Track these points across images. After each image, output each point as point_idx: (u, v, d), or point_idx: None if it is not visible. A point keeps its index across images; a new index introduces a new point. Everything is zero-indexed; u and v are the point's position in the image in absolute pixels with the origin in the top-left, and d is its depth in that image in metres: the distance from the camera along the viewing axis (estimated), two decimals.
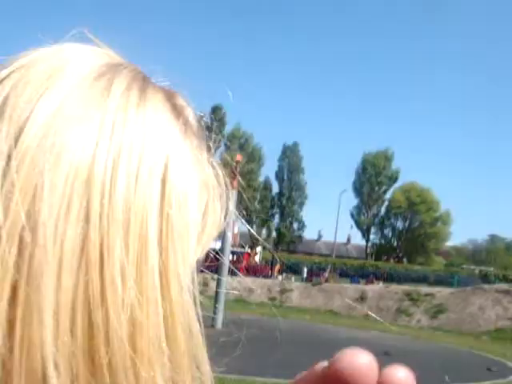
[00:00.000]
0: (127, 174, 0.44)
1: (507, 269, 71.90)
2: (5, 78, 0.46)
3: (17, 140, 0.41)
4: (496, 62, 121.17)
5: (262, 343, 11.84)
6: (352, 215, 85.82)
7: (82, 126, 0.44)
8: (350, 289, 24.63)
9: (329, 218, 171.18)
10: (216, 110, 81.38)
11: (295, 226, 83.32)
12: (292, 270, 50.76)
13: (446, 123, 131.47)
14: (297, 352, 11.14)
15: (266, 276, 38.95)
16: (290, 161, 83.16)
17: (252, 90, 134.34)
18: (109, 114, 0.45)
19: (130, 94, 0.48)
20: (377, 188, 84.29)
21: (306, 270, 51.07)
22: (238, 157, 14.19)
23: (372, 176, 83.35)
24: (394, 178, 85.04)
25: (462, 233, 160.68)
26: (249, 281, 26.42)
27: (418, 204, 79.25)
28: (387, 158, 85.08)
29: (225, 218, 0.57)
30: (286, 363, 9.62)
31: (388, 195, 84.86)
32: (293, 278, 33.50)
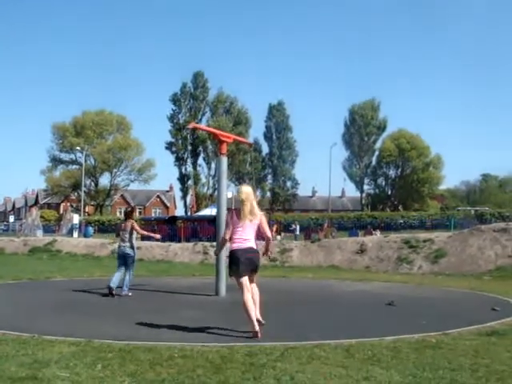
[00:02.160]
0: None
1: (502, 206, 72.31)
2: None
3: None
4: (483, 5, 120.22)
5: (266, 305, 11.89)
6: (344, 168, 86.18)
7: None
8: (350, 242, 24.69)
9: (321, 174, 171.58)
10: (198, 77, 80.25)
11: (288, 184, 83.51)
12: (289, 229, 50.92)
13: (430, 67, 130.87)
14: (303, 311, 11.17)
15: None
16: (277, 120, 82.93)
17: (232, 51, 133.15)
18: None
19: None
20: (366, 138, 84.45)
21: (298, 227, 51.27)
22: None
23: (361, 127, 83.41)
24: (382, 127, 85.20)
25: (454, 175, 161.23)
26: None
27: (408, 151, 79.46)
28: (374, 107, 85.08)
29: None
30: (294, 323, 9.65)
31: (378, 145, 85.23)
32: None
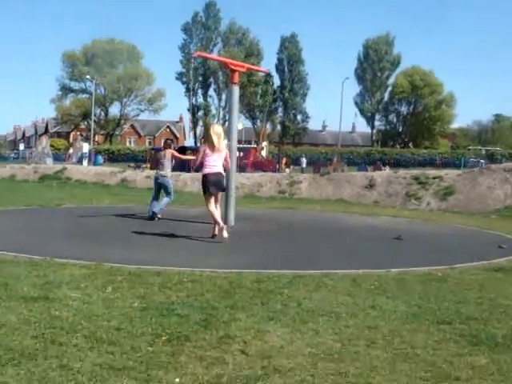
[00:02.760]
0: None
1: None
2: None
3: None
4: None
5: (274, 236, 11.99)
6: (356, 103, 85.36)
7: None
8: (359, 176, 24.65)
9: (333, 108, 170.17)
10: (210, 7, 78.69)
11: (299, 118, 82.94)
12: (298, 163, 50.98)
13: (445, 4, 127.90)
14: (311, 242, 11.26)
15: (273, 170, 39.11)
16: (290, 53, 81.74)
17: None
18: None
19: None
20: (379, 74, 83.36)
21: (304, 160, 51.27)
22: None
23: (374, 62, 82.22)
24: (396, 63, 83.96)
25: (466, 114, 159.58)
26: (257, 176, 26.45)
27: (421, 88, 78.43)
28: (388, 42, 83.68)
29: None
30: (302, 253, 9.75)
31: (391, 80, 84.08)
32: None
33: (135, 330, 4.80)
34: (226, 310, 5.47)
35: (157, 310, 5.42)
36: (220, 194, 11.23)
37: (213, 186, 10.70)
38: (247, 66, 15.30)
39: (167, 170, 13.80)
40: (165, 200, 13.89)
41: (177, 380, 3.86)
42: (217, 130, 10.97)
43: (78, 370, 3.94)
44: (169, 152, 13.90)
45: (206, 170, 10.74)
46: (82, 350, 4.32)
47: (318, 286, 6.69)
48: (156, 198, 13.96)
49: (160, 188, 13.97)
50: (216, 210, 10.84)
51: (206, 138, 11.18)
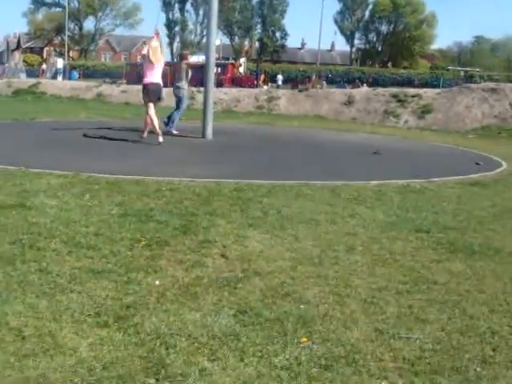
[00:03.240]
0: None
1: (492, 70, 71.58)
2: None
3: None
4: None
5: (252, 150, 11.95)
6: (335, 21, 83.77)
7: None
8: (337, 93, 24.49)
9: (312, 26, 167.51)
10: None
11: (278, 35, 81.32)
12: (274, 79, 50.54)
13: None
14: (289, 156, 11.23)
15: (251, 86, 38.66)
16: None
17: None
18: None
19: None
20: None
21: (281, 77, 50.81)
22: None
23: None
24: None
25: (447, 35, 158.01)
26: (235, 91, 26.16)
27: (402, 6, 77.13)
28: None
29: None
30: (280, 166, 9.74)
31: None
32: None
33: (114, 236, 4.77)
34: (206, 217, 5.45)
35: (135, 216, 5.38)
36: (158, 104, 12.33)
37: (153, 94, 11.79)
38: None
39: (182, 82, 13.58)
40: (174, 114, 13.77)
41: (157, 282, 3.85)
42: (155, 44, 11.95)
43: (57, 273, 3.92)
44: (184, 63, 13.78)
45: (148, 80, 11.87)
46: (60, 255, 4.29)
47: (298, 195, 6.70)
48: (176, 109, 13.87)
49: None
50: (156, 117, 11.84)
51: (148, 53, 11.81)
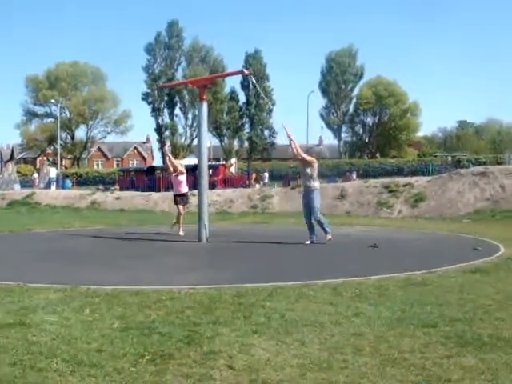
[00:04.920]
0: None
1: (478, 153, 72.79)
2: None
3: None
4: None
5: (249, 251, 11.92)
6: (322, 116, 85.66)
7: None
8: (330, 188, 24.74)
9: (299, 122, 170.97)
10: (172, 26, 78.64)
11: (266, 133, 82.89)
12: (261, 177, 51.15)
13: (405, 13, 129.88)
14: (288, 255, 11.20)
15: (244, 186, 39.06)
16: (254, 69, 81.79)
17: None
18: None
19: None
20: (343, 86, 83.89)
21: (267, 174, 51.43)
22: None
23: (338, 74, 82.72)
24: (359, 75, 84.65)
25: (431, 122, 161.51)
26: (228, 192, 26.38)
27: (385, 98, 79.12)
28: (351, 55, 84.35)
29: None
30: (280, 267, 9.68)
31: (355, 92, 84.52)
32: (275, 185, 33.39)
33: (117, 351, 4.67)
34: (209, 326, 5.37)
35: (137, 329, 5.29)
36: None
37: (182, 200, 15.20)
38: (222, 74, 16.03)
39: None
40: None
41: None
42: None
43: None
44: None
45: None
46: (62, 375, 4.18)
47: (299, 296, 6.63)
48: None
49: None
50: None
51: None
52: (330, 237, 12.57)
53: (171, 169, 15.18)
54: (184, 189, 15.11)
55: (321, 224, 12.77)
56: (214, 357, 4.51)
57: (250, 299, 6.48)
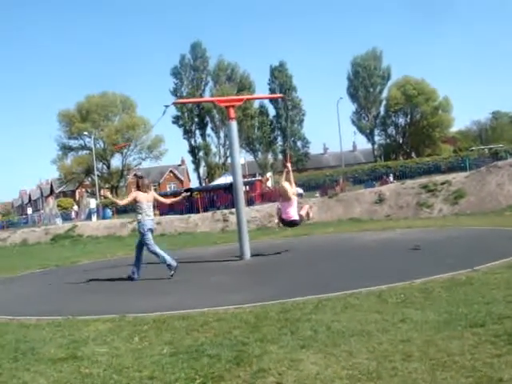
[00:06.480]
0: None
1: None
2: None
3: None
4: None
5: (292, 264, 11.92)
6: (353, 121, 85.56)
7: None
8: (367, 193, 24.61)
9: (331, 130, 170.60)
10: (196, 47, 79.53)
11: (299, 144, 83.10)
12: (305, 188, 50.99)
13: (423, 9, 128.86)
14: (331, 264, 11.18)
15: None
16: (281, 81, 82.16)
17: (228, 17, 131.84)
18: None
19: None
20: (372, 89, 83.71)
21: (301, 190, 51.39)
22: None
23: (365, 78, 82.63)
24: (386, 76, 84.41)
25: (464, 116, 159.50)
26: (266, 206, 26.39)
27: (415, 96, 78.53)
28: (376, 57, 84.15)
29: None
30: (324, 277, 9.67)
31: (384, 94, 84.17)
32: (317, 193, 33.28)
33: (168, 377, 4.75)
34: (257, 344, 5.41)
35: (187, 353, 5.36)
36: None
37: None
38: (258, 96, 15.71)
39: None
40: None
41: None
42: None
43: None
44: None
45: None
46: None
47: (345, 306, 6.63)
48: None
49: None
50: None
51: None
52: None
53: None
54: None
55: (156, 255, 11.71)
56: (264, 375, 4.55)
57: (296, 314, 6.51)
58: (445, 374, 4.19)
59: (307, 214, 13.78)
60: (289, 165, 13.60)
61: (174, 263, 11.34)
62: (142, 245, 11.78)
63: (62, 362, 5.58)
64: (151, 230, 11.80)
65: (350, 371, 4.45)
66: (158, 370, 4.96)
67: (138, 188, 11.82)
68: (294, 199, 13.32)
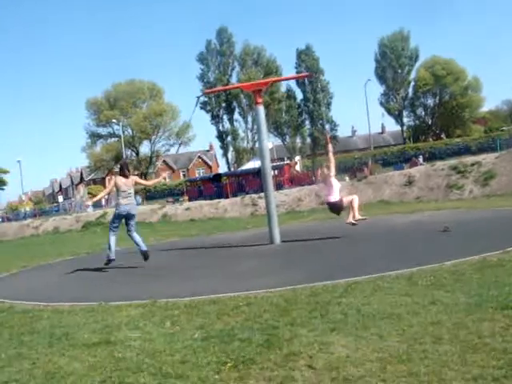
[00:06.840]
0: None
1: None
2: None
3: None
4: None
5: (321, 248, 11.92)
6: (381, 103, 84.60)
7: None
8: (396, 176, 24.45)
9: (359, 112, 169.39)
10: (222, 33, 79.15)
11: (327, 127, 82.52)
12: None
13: None
14: (360, 247, 11.15)
15: (310, 183, 39.05)
16: (307, 65, 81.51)
17: (252, 1, 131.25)
18: None
19: None
20: (400, 71, 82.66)
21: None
22: None
23: (392, 60, 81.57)
24: (414, 57, 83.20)
25: (494, 96, 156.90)
26: (295, 191, 26.40)
27: (444, 77, 77.46)
28: (404, 38, 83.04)
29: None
30: (354, 260, 9.66)
31: (412, 75, 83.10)
32: (346, 178, 33.12)
33: (200, 361, 4.81)
34: (287, 328, 5.45)
35: (218, 337, 5.42)
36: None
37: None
38: (284, 77, 15.61)
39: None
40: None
41: None
42: None
43: None
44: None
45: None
46: None
47: (374, 290, 6.63)
48: None
49: None
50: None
51: None
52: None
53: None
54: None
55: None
56: (295, 358, 4.59)
57: (326, 297, 6.53)
58: (475, 356, 4.19)
59: (351, 202, 12.96)
60: (330, 146, 13.25)
61: (112, 256, 12.04)
62: (129, 229, 12.43)
63: (95, 346, 5.68)
64: (130, 216, 12.26)
65: (380, 354, 4.46)
66: (189, 354, 5.02)
67: (121, 174, 12.16)
68: (334, 182, 12.83)
